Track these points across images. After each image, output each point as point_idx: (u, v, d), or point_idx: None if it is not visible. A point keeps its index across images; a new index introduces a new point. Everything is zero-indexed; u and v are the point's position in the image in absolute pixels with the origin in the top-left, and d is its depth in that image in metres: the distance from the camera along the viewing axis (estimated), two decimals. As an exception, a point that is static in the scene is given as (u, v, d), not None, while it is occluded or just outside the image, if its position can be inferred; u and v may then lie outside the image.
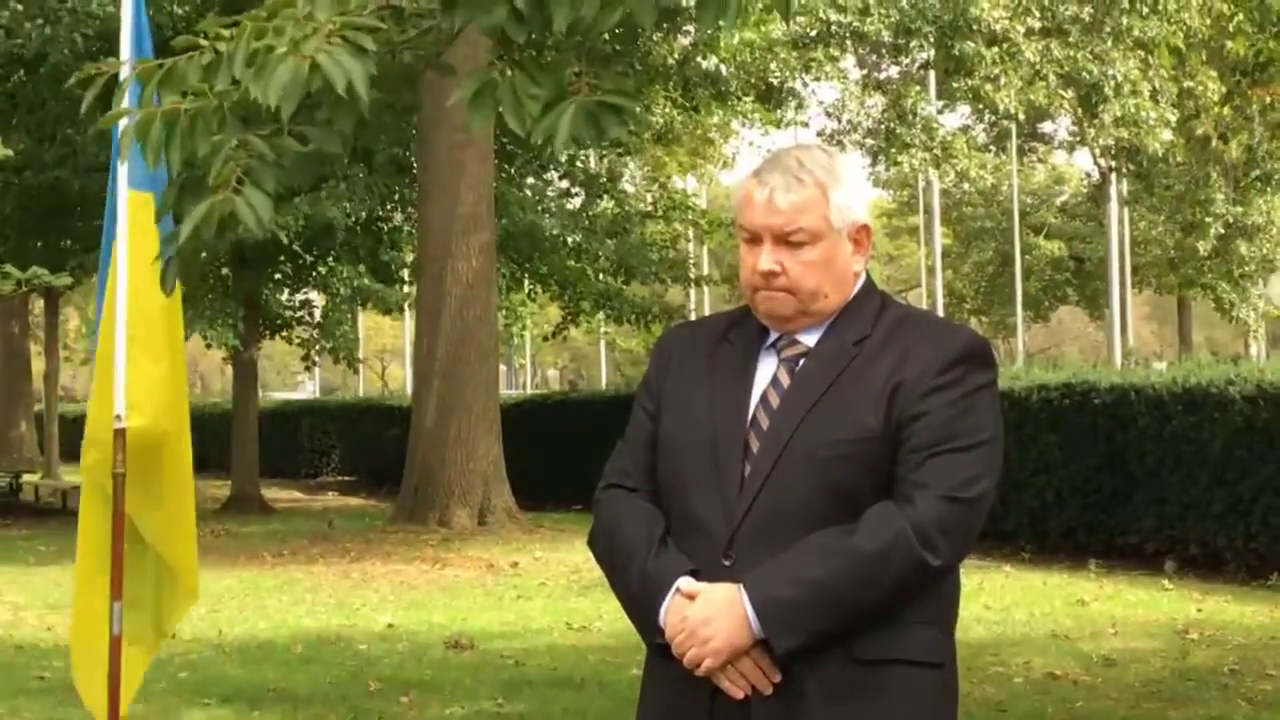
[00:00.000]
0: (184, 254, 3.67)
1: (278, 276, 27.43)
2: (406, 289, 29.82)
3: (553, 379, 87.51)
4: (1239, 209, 39.89)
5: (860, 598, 3.10)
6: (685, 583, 3.19)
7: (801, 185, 3.28)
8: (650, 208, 32.19)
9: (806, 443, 3.19)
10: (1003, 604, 12.59)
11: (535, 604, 13.43)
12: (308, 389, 75.37)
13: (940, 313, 45.48)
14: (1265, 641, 10.80)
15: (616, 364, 67.90)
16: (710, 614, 3.13)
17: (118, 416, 5.78)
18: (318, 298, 29.95)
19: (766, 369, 3.33)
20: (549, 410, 27.07)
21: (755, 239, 3.32)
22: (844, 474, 3.17)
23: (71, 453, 42.50)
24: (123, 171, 5.78)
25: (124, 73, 3.93)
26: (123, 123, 3.73)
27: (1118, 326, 44.69)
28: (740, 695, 3.15)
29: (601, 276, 28.56)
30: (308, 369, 33.84)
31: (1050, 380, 16.53)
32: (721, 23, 3.27)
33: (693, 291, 42.46)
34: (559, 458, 24.35)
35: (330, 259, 26.87)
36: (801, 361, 3.30)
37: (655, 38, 26.73)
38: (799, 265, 3.28)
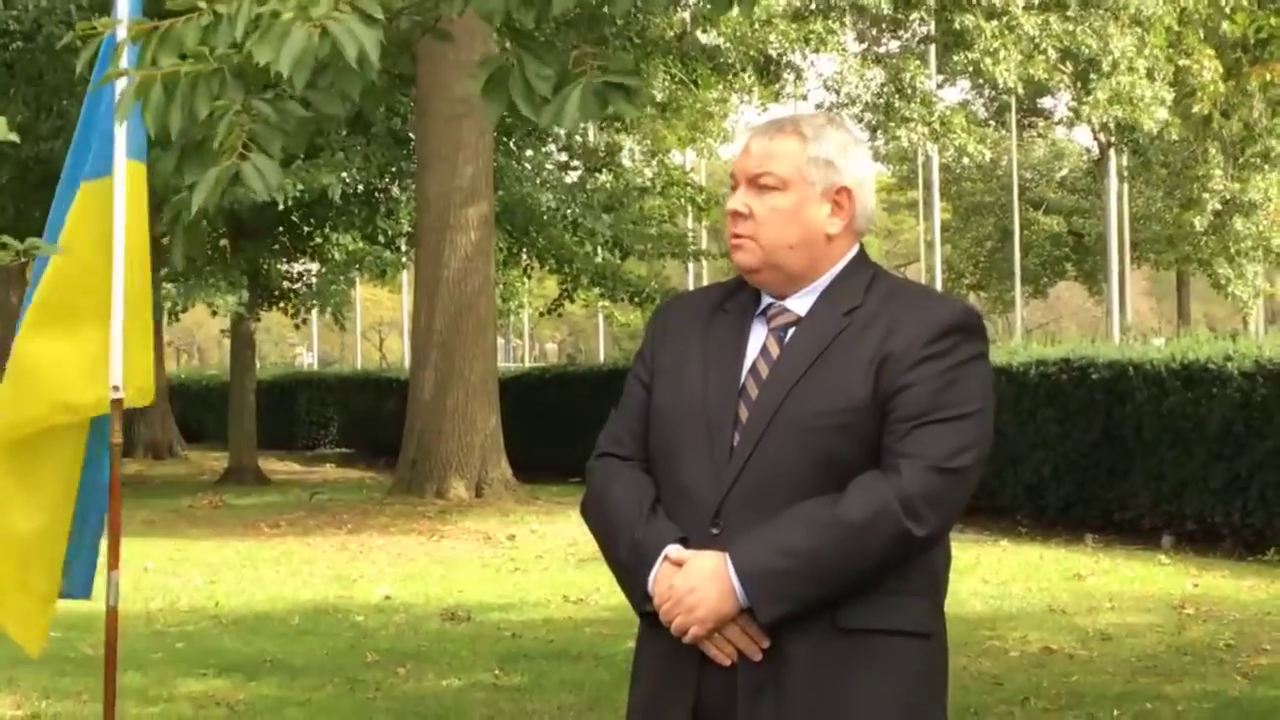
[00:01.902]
0: (191, 224, 3.66)
1: (276, 247, 27.40)
2: (403, 255, 29.76)
3: (551, 352, 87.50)
4: (1236, 186, 39.86)
5: (845, 567, 3.11)
6: (674, 550, 3.20)
7: (781, 133, 3.32)
8: (649, 183, 32.12)
9: (795, 412, 3.20)
10: (999, 578, 12.60)
11: (532, 576, 13.44)
12: (305, 360, 75.37)
13: (939, 288, 45.49)
14: (1261, 616, 10.81)
15: (615, 337, 67.86)
16: (695, 582, 3.14)
17: (115, 388, 5.77)
18: (315, 268, 29.90)
19: (757, 338, 3.33)
20: (547, 383, 27.08)
21: (735, 185, 3.36)
22: (832, 444, 3.18)
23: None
24: (120, 139, 5.74)
25: (120, 34, 3.90)
26: (120, 84, 3.70)
27: (1116, 302, 44.69)
28: (727, 663, 3.17)
29: (599, 252, 28.50)
30: (297, 327, 33.82)
31: (1048, 355, 16.54)
32: (737, 9, 3.29)
33: (691, 267, 42.40)
34: (557, 430, 24.34)
35: (327, 228, 26.83)
36: (791, 331, 3.31)
37: (654, 12, 26.64)
38: (765, 209, 3.30)
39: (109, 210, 5.76)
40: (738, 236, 3.32)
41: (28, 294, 5.96)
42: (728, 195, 3.39)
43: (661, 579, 3.19)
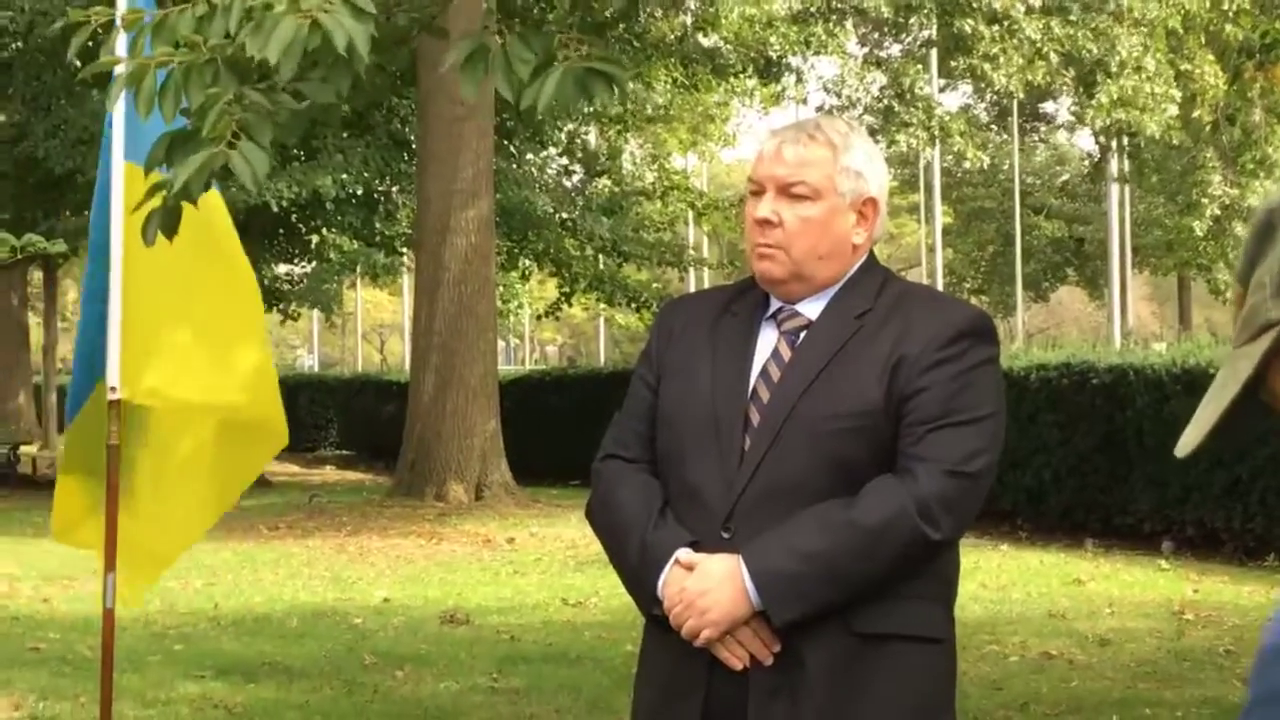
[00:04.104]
0: (169, 207, 3.64)
1: (275, 248, 27.39)
2: (402, 257, 29.75)
3: (552, 355, 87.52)
4: (1235, 191, 39.84)
5: (860, 570, 3.10)
6: (684, 554, 3.18)
7: (813, 141, 3.28)
8: (649, 186, 32.10)
9: (807, 416, 3.18)
10: (999, 583, 12.58)
11: (531, 579, 13.42)
12: (305, 363, 75.43)
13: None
14: (1261, 622, 10.75)
15: (615, 340, 67.90)
16: (708, 585, 3.13)
17: (112, 388, 5.74)
18: (311, 268, 29.94)
19: (767, 341, 3.31)
20: (547, 386, 27.05)
21: (759, 191, 3.30)
22: (845, 447, 3.16)
23: (69, 425, 42.43)
24: (118, 141, 5.72)
25: (117, 22, 3.90)
26: (116, 71, 3.69)
27: (1117, 307, 44.67)
28: (739, 666, 3.15)
29: (600, 258, 28.48)
30: (282, 323, 33.86)
31: (1049, 360, 16.51)
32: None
33: (692, 274, 42.36)
34: (557, 433, 24.32)
35: (324, 230, 26.84)
36: (803, 334, 3.29)
37: (656, 14, 26.67)
38: (797, 219, 3.25)
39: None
40: (766, 246, 3.28)
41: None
42: (749, 200, 3.34)
43: (672, 582, 3.18)
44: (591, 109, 26.72)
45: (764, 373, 3.27)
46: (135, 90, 3.51)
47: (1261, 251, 1.50)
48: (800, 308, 3.32)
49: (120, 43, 3.86)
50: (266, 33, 3.24)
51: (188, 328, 5.92)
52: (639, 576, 3.26)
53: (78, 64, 3.85)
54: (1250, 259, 1.52)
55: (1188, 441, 1.55)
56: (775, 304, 3.34)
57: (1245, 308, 1.51)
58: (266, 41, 3.23)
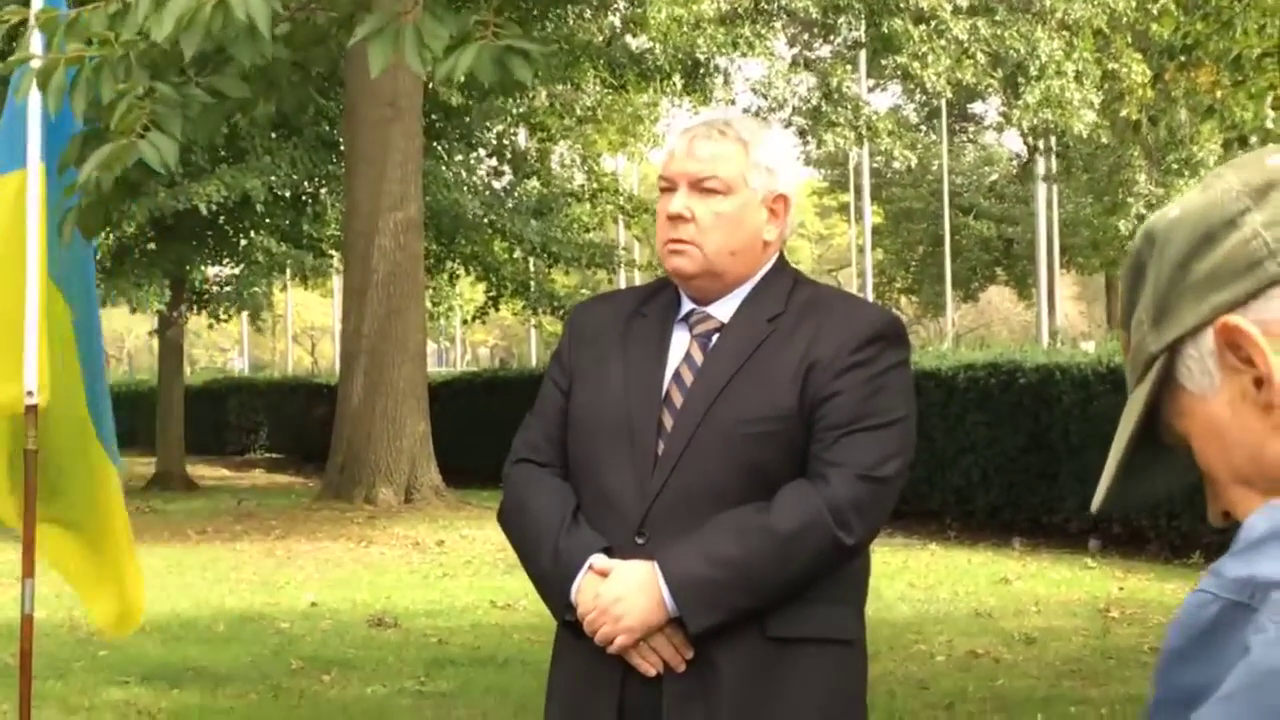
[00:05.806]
0: (84, 203, 3.61)
1: (203, 250, 27.19)
2: (331, 260, 29.62)
3: (484, 357, 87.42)
4: (1160, 190, 40.16)
5: (775, 576, 3.10)
6: (598, 560, 3.18)
7: (724, 138, 3.29)
8: (579, 189, 32.04)
9: (721, 420, 3.18)
10: (927, 582, 12.63)
11: (460, 582, 13.39)
12: (236, 365, 75.04)
13: (870, 291, 45.69)
14: (1186, 619, 10.85)
15: (546, 342, 67.79)
16: (623, 592, 3.12)
17: (29, 392, 5.67)
18: (239, 271, 29.81)
19: (679, 344, 3.31)
20: (477, 388, 26.99)
21: (671, 187, 3.30)
22: (759, 452, 3.16)
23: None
24: (35, 136, 5.63)
25: (31, 21, 3.86)
26: (33, 64, 3.65)
27: (1045, 306, 44.99)
28: (653, 672, 3.15)
29: (529, 261, 28.42)
30: (210, 327, 33.70)
31: (977, 360, 16.60)
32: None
33: (622, 275, 42.32)
34: (487, 435, 24.23)
35: (252, 232, 26.65)
36: (715, 337, 3.28)
37: (586, 15, 26.64)
38: (709, 214, 3.25)
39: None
40: (678, 241, 3.27)
41: None
42: (661, 198, 3.34)
43: (586, 588, 3.17)
44: (520, 109, 26.66)
45: (677, 376, 3.26)
46: (44, 87, 3.48)
47: (1137, 291, 1.48)
48: (712, 310, 3.32)
49: (35, 41, 3.83)
50: (163, 10, 3.22)
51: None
52: (552, 582, 3.25)
53: None
54: (1129, 303, 1.50)
55: (1097, 497, 1.49)
56: (687, 306, 3.34)
57: (1131, 349, 1.49)
58: (162, 18, 3.20)
